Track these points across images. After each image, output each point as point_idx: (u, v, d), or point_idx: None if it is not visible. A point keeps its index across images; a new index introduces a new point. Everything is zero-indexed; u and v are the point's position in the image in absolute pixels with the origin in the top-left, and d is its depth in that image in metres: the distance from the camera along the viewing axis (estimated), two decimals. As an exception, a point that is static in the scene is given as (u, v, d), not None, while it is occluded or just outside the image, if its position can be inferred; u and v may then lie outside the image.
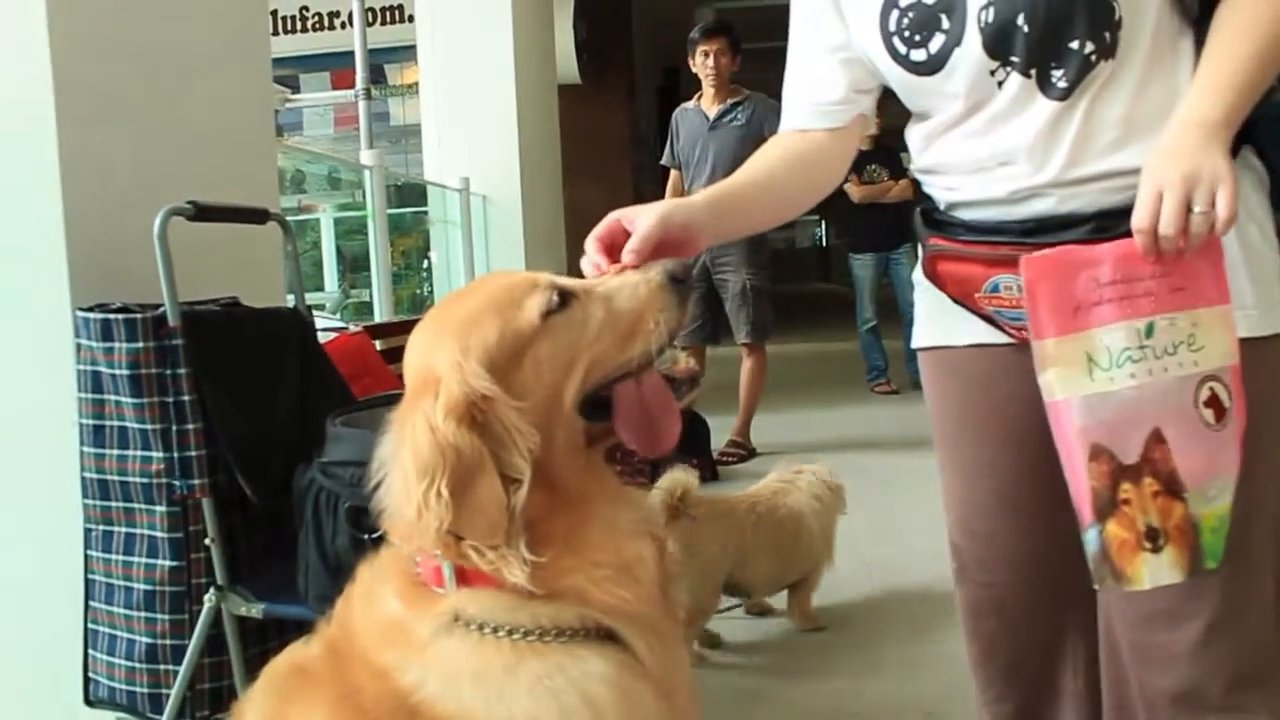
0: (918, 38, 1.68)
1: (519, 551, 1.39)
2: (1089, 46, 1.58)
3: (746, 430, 6.90)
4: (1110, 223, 1.58)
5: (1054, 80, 1.61)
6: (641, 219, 1.59)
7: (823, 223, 34.82)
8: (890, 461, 6.32)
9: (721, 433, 6.71)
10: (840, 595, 4.06)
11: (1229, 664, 1.65)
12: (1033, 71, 1.61)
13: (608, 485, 1.55)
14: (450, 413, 1.38)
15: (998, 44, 1.62)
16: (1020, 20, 1.59)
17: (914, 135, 1.83)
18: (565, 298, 1.49)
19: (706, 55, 6.71)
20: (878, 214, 8.99)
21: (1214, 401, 1.52)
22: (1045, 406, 1.55)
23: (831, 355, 12.52)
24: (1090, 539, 1.52)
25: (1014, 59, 1.62)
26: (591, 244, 1.61)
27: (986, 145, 1.68)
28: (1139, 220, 1.48)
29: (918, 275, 1.92)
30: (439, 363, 1.44)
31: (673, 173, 7.06)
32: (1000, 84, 1.64)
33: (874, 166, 9.02)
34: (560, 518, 1.44)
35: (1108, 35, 1.58)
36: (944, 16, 1.65)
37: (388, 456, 1.46)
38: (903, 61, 1.71)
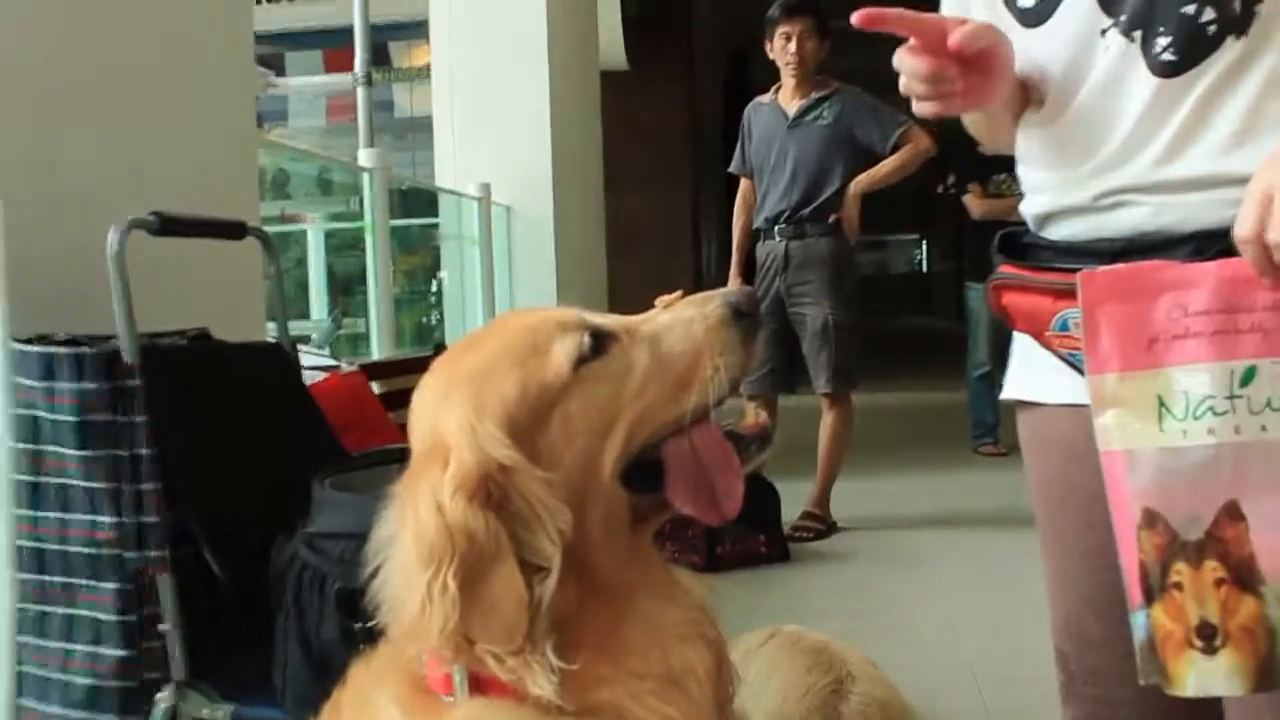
0: None
1: (545, 657, 1.38)
2: (1207, 14, 1.56)
3: (825, 500, 6.85)
4: (1212, 245, 1.54)
5: (1157, 49, 1.60)
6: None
7: (923, 243, 34.81)
8: (1001, 541, 6.27)
9: (794, 503, 6.67)
10: (940, 708, 4.03)
11: None
12: (1136, 34, 1.61)
13: (654, 574, 1.55)
14: (461, 487, 1.38)
15: None
16: None
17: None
18: (601, 341, 1.49)
19: (787, 39, 6.71)
20: (1003, 233, 8.93)
21: None
22: (1099, 456, 1.52)
23: (932, 408, 12.46)
24: (1138, 624, 1.48)
25: (1122, 15, 1.62)
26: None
27: (1080, 124, 1.69)
28: (1240, 229, 1.43)
29: None
30: (449, 425, 1.44)
31: (743, 182, 7.07)
32: (1107, 49, 1.64)
33: (1003, 176, 8.94)
34: (595, 615, 1.44)
35: (1237, 5, 1.56)
36: None
37: (388, 537, 1.46)
38: (1010, 7, 1.74)
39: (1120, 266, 1.52)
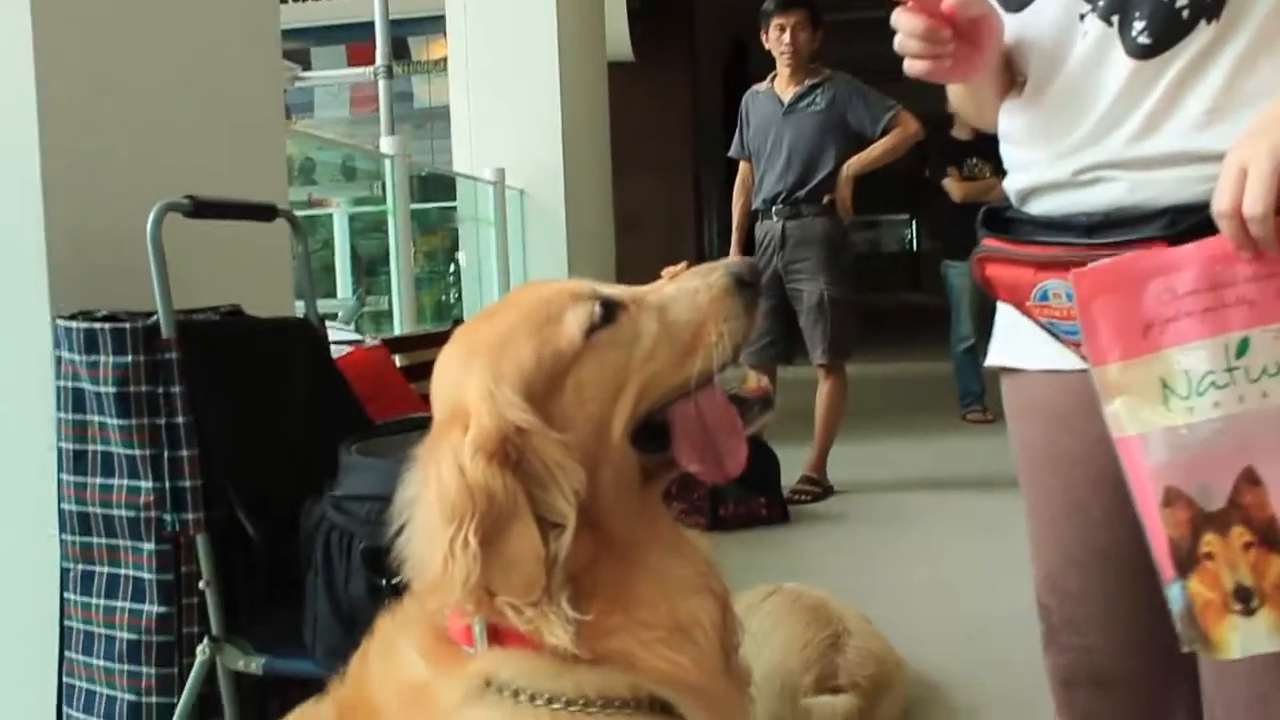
0: None
1: (561, 609, 1.38)
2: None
3: (822, 465, 6.88)
4: (1185, 219, 1.54)
5: (1134, 32, 1.59)
6: None
7: (913, 223, 34.72)
8: (987, 502, 6.28)
9: (793, 468, 6.69)
10: (930, 660, 4.04)
11: None
12: (1114, 18, 1.60)
13: (662, 531, 1.55)
14: (481, 449, 1.38)
15: None
16: None
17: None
18: (611, 310, 1.49)
19: (782, 30, 6.71)
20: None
21: None
22: (1113, 443, 1.51)
23: (921, 378, 12.46)
24: (1174, 596, 1.47)
25: (1100, 1, 1.62)
26: None
27: (1058, 104, 1.69)
28: (1218, 202, 1.42)
29: None
30: (468, 392, 1.44)
31: (742, 165, 7.08)
32: (1085, 33, 1.64)
33: (975, 160, 8.97)
34: (608, 569, 1.44)
35: None
36: None
37: (412, 498, 1.46)
38: None
39: (1106, 261, 1.51)
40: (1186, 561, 1.45)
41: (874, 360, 12.85)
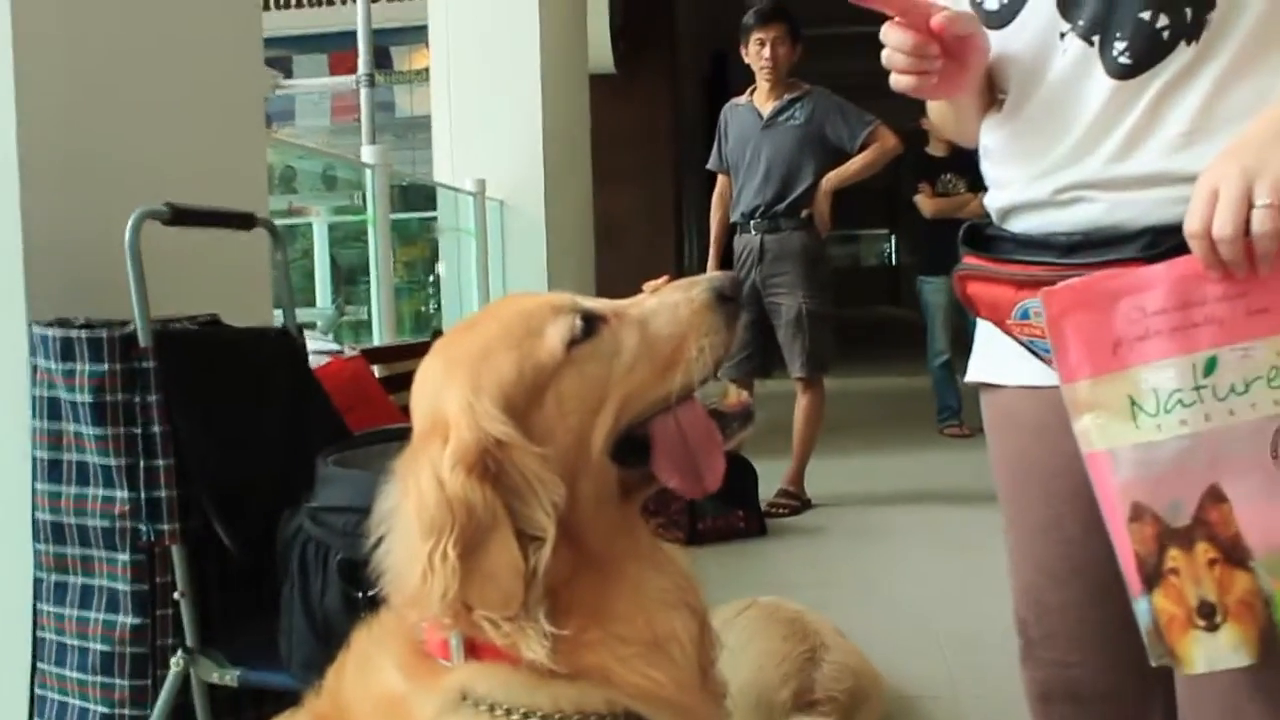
0: None
1: (538, 623, 1.38)
2: (1162, 20, 1.57)
3: (800, 478, 6.87)
4: (1165, 240, 1.54)
5: (1115, 52, 1.60)
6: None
7: (892, 238, 34.84)
8: (964, 516, 6.29)
9: (771, 481, 6.68)
10: (907, 673, 4.03)
11: None
12: (1095, 38, 1.61)
13: (641, 545, 1.54)
14: (460, 462, 1.37)
15: (1071, 1, 1.63)
16: None
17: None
18: (592, 323, 1.49)
19: (762, 44, 6.73)
20: (953, 231, 8.96)
21: None
22: (1083, 459, 1.52)
23: (899, 392, 12.49)
24: (1141, 611, 1.48)
25: (1080, 20, 1.62)
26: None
27: (1037, 122, 1.69)
28: (1189, 224, 1.44)
29: None
30: (448, 403, 1.44)
31: (720, 178, 7.10)
32: (1065, 51, 1.65)
33: (949, 176, 9.01)
34: (586, 583, 1.43)
35: (1189, 11, 1.56)
36: None
37: (390, 510, 1.45)
38: (977, 8, 1.74)
39: (1077, 280, 1.52)
40: (1152, 576, 1.47)
41: (852, 374, 12.89)
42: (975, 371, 1.94)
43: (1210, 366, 1.45)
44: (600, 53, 10.89)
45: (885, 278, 35.10)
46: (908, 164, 9.11)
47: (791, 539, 6.30)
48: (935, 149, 9.04)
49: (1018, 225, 1.75)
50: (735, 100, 7.10)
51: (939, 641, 4.46)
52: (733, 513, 6.09)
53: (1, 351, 2.66)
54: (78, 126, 2.85)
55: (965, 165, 9.12)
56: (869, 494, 7.27)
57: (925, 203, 9.01)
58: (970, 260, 1.74)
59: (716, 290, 1.52)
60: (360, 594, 2.14)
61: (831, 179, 6.67)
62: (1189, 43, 1.57)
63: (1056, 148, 1.67)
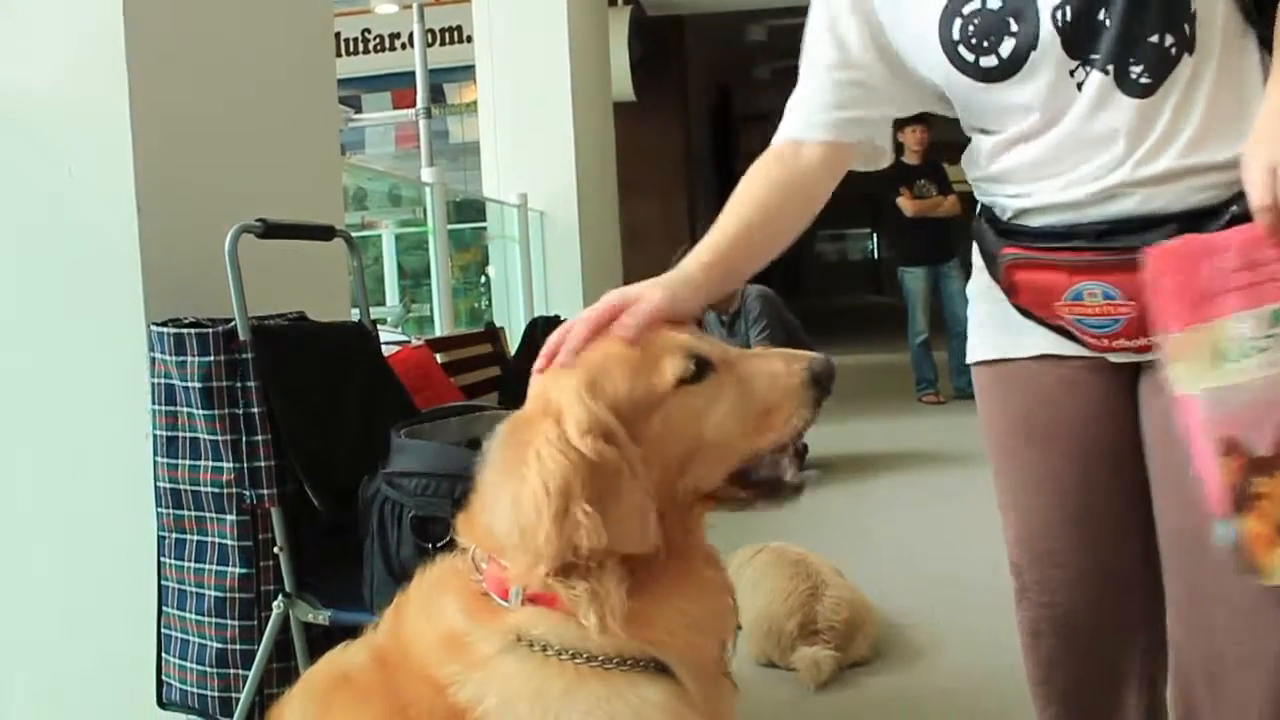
0: (985, 43, 1.62)
1: (615, 595, 1.33)
2: (1169, 39, 1.54)
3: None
4: (1195, 224, 1.53)
5: (1133, 76, 1.56)
6: (649, 296, 1.51)
7: (874, 236, 34.64)
8: (941, 471, 6.28)
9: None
10: (896, 605, 4.04)
11: None
12: (1110, 68, 1.57)
13: (700, 540, 1.51)
14: (586, 430, 1.34)
15: (1079, 42, 1.57)
16: (1101, 15, 1.55)
17: (981, 147, 1.76)
18: (703, 369, 1.44)
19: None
20: (928, 227, 8.99)
21: None
22: (1172, 401, 1.49)
23: (882, 367, 12.46)
24: (1223, 533, 1.45)
25: (1094, 56, 1.57)
26: (583, 327, 1.48)
27: (1066, 148, 1.63)
28: (1260, 199, 1.42)
29: (973, 288, 1.89)
30: (563, 394, 1.40)
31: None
32: (1080, 84, 1.59)
33: (923, 181, 9.03)
34: (660, 569, 1.39)
35: (1186, 28, 1.54)
36: (1012, 20, 1.60)
37: (496, 478, 1.41)
38: (971, 70, 1.65)
39: (1171, 243, 1.50)
40: (1240, 501, 1.44)
41: (841, 352, 12.83)
42: (983, 351, 1.87)
43: (1277, 316, 1.44)
44: (622, 83, 10.85)
45: (869, 269, 34.91)
46: (887, 172, 9.08)
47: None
48: (909, 158, 9.03)
49: (1038, 220, 1.69)
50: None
51: (923, 577, 4.47)
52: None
53: (124, 347, 2.68)
54: (184, 158, 2.86)
55: (933, 172, 9.13)
56: (858, 454, 7.26)
57: (906, 204, 9.00)
58: (1014, 250, 1.70)
59: (814, 373, 1.48)
60: (430, 546, 2.15)
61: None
62: (1190, 54, 1.55)
63: (1092, 162, 1.61)
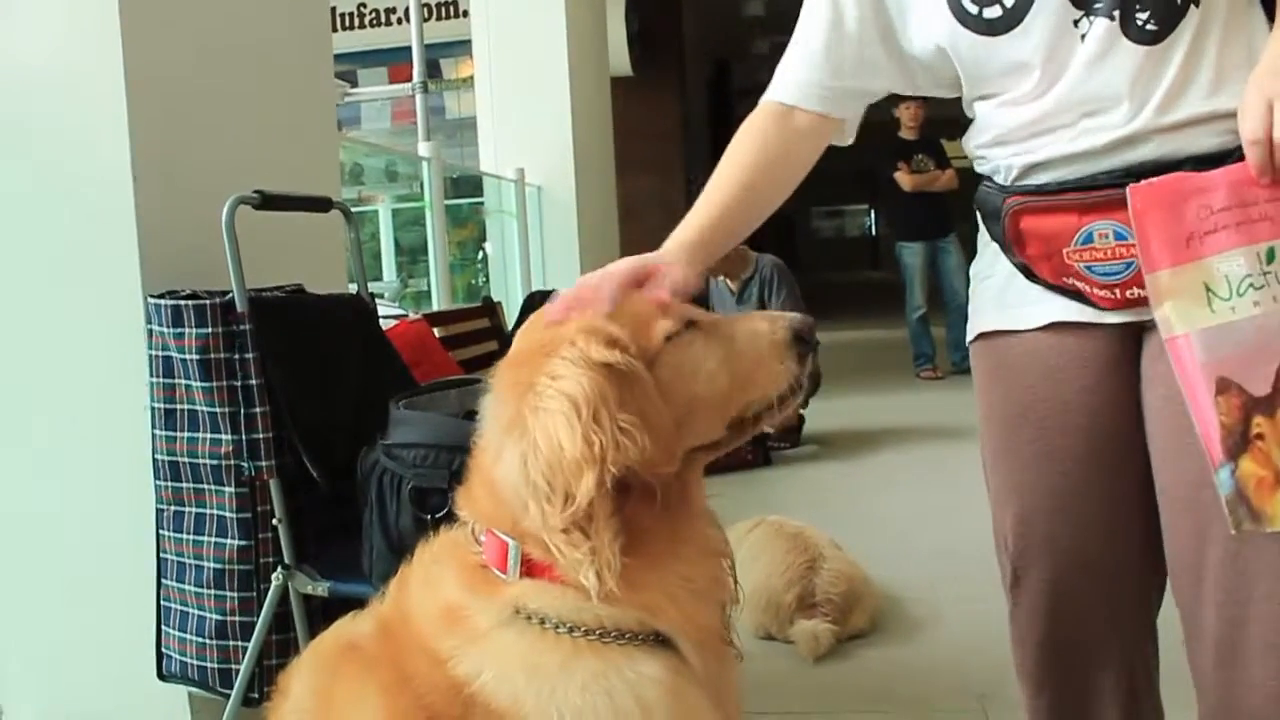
0: None
1: (610, 553, 1.32)
2: None
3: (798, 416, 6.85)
4: (1206, 167, 1.51)
5: (1139, 22, 1.55)
6: (672, 271, 1.55)
7: (871, 212, 34.60)
8: (939, 446, 6.29)
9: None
10: (893, 578, 4.04)
11: None
12: (1116, 13, 1.55)
13: (699, 501, 1.51)
14: (611, 344, 1.36)
15: None
16: None
17: (983, 114, 1.74)
18: (690, 326, 1.46)
19: None
20: (926, 202, 8.99)
21: None
22: (1163, 343, 1.48)
23: (880, 343, 12.46)
24: (1223, 480, 1.43)
25: (1098, 4, 1.56)
26: (612, 282, 1.50)
27: (1073, 99, 1.61)
28: (1253, 131, 1.42)
29: (976, 268, 1.87)
30: (564, 330, 1.40)
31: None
32: (1084, 35, 1.58)
33: (921, 156, 9.01)
34: (658, 529, 1.39)
35: None
36: None
37: (506, 423, 1.39)
38: (973, 22, 1.64)
39: (1156, 180, 1.49)
40: (1238, 444, 1.42)
41: (840, 328, 12.87)
42: (986, 323, 1.83)
43: (1271, 255, 1.43)
44: (619, 58, 10.82)
45: (867, 246, 34.87)
46: (884, 148, 9.09)
47: (792, 468, 6.32)
48: (906, 134, 9.03)
49: (1047, 176, 1.66)
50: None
51: (920, 551, 4.47)
52: (741, 447, 6.09)
53: (121, 319, 2.68)
54: (181, 131, 2.85)
55: (929, 147, 9.12)
56: (856, 429, 7.27)
57: (904, 179, 8.99)
58: (1020, 197, 1.66)
59: (795, 330, 1.49)
60: (428, 517, 2.15)
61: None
62: (1196, 6, 1.54)
63: (1101, 115, 1.59)
